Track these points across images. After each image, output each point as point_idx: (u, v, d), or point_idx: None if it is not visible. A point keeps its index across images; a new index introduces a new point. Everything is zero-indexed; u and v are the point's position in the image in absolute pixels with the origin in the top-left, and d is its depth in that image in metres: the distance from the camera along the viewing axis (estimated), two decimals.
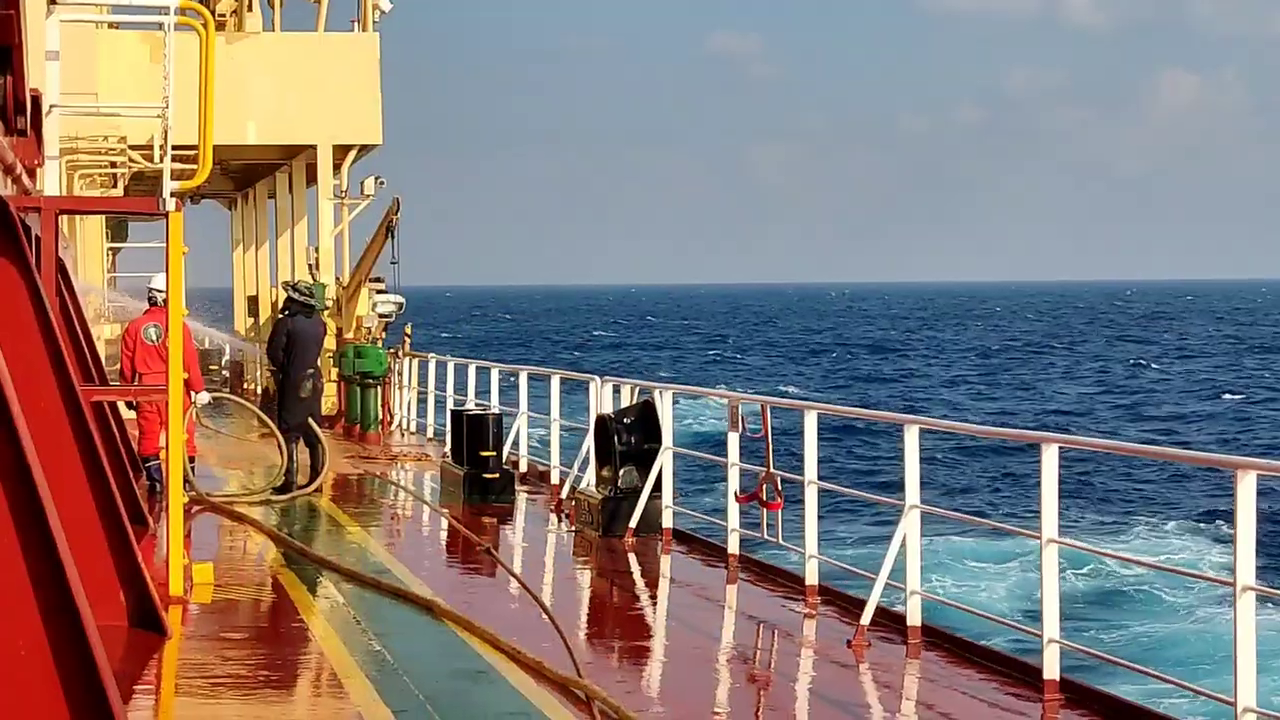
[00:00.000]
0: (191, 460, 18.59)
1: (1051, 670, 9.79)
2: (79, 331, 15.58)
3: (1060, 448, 9.91)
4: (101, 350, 23.87)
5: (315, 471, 19.61)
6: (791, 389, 75.09)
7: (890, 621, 11.65)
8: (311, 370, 19.91)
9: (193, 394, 18.32)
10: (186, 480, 18.36)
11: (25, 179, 12.14)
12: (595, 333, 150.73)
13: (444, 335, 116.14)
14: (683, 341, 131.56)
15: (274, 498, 18.76)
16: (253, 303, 38.58)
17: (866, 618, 11.43)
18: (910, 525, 11.30)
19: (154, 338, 18.23)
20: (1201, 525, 34.14)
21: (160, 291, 18.43)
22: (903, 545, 11.29)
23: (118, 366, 19.51)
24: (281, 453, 19.36)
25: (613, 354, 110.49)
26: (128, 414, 19.71)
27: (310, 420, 19.66)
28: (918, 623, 11.36)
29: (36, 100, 12.27)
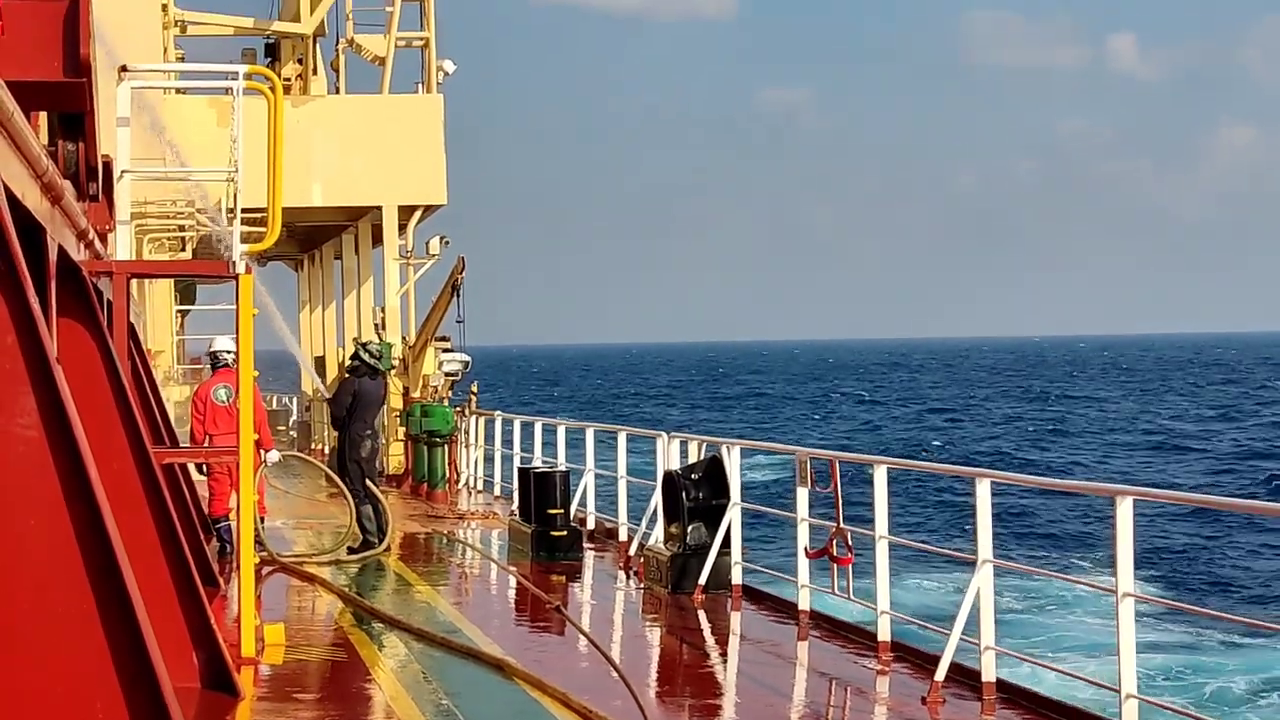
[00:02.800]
0: (261, 520, 18.68)
1: None
2: (150, 394, 15.69)
3: (1135, 500, 9.81)
4: (171, 412, 24.06)
5: (381, 531, 19.65)
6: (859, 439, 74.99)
7: (965, 677, 11.53)
8: (370, 431, 19.98)
9: (263, 453, 18.44)
10: (257, 540, 18.47)
11: (98, 244, 12.27)
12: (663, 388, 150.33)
13: (506, 394, 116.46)
14: (769, 395, 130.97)
15: (345, 557, 18.80)
16: (320, 363, 38.84)
17: (941, 674, 11.33)
18: (983, 579, 11.20)
19: (224, 399, 18.38)
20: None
21: (227, 353, 18.61)
22: (976, 599, 11.19)
23: (188, 428, 19.66)
24: (351, 513, 19.42)
25: (682, 411, 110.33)
26: (198, 477, 19.83)
27: (368, 481, 19.72)
28: (993, 678, 11.24)
29: (108, 166, 12.42)
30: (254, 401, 18.56)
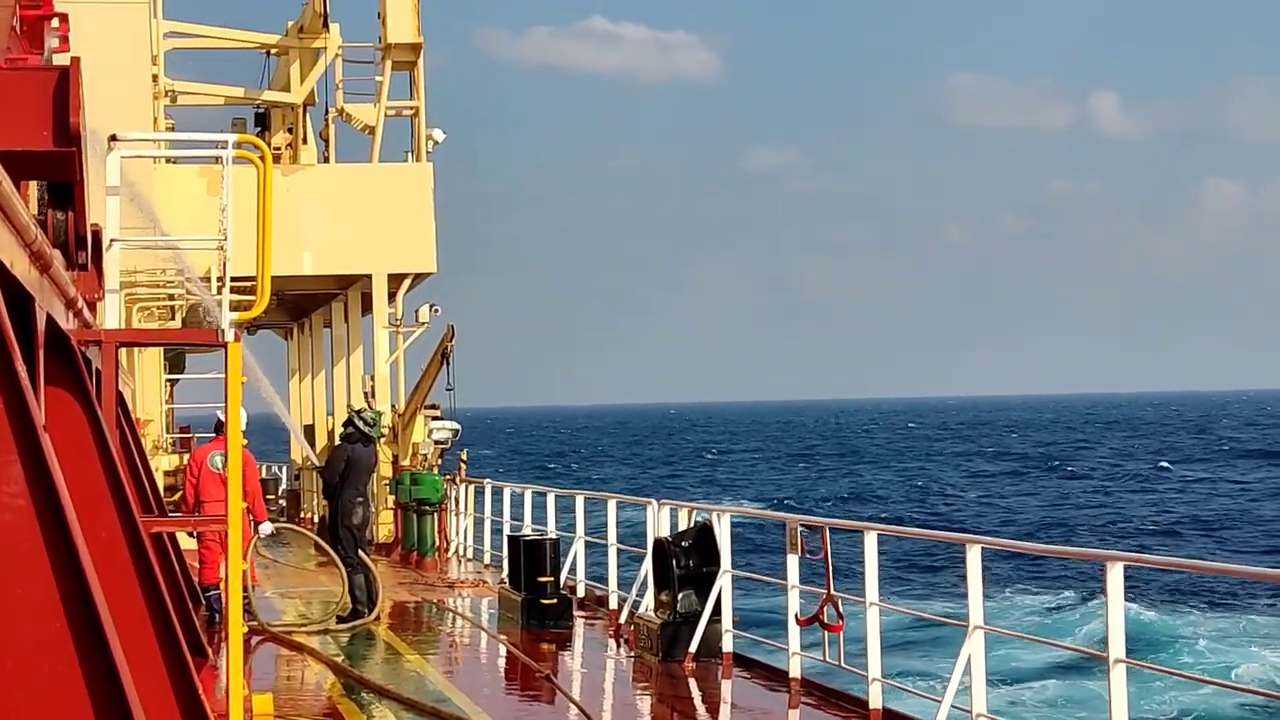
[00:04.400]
0: (251, 588, 18.63)
1: None
2: (138, 463, 15.65)
3: (1125, 565, 9.80)
4: (160, 481, 23.98)
5: (371, 600, 19.58)
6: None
7: None
8: (362, 498, 19.97)
9: (255, 524, 18.46)
10: (247, 609, 18.42)
11: (86, 313, 12.27)
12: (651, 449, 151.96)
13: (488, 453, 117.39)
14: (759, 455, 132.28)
15: (335, 627, 18.72)
16: (309, 431, 38.79)
17: None
18: (974, 646, 11.17)
19: (219, 466, 18.40)
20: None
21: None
22: (968, 666, 11.15)
23: (179, 494, 19.62)
24: (342, 581, 19.37)
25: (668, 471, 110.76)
26: (187, 543, 19.78)
27: (359, 550, 19.68)
28: None
29: (97, 235, 12.42)
30: (249, 471, 18.67)
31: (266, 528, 19.00)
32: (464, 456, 30.54)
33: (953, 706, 11.30)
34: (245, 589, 18.45)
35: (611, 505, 20.49)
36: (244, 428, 18.97)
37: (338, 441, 21.46)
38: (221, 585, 18.13)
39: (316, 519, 33.17)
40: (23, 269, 7.40)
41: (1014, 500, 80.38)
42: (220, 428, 19.01)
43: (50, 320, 8.64)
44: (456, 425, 30.82)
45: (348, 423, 20.67)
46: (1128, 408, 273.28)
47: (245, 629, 17.58)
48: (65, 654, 5.47)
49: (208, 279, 24.52)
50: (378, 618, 19.49)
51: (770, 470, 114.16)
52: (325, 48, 32.52)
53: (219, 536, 17.89)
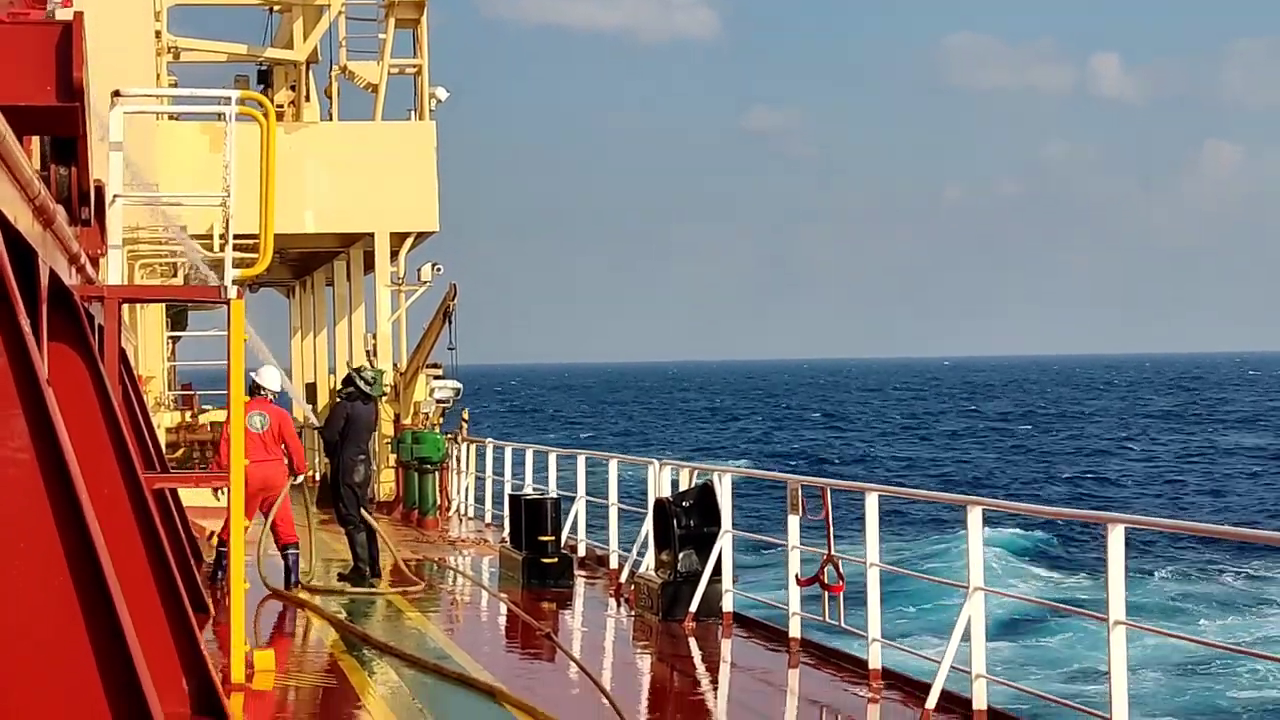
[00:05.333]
0: (294, 547, 18.73)
1: None
2: (141, 420, 15.66)
3: (1126, 527, 9.81)
4: (162, 439, 23.99)
5: (374, 559, 19.60)
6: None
7: (956, 706, 11.51)
8: (363, 456, 19.99)
9: (294, 475, 18.63)
10: (293, 572, 18.52)
11: (89, 268, 12.26)
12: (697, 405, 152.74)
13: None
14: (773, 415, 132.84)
15: (351, 589, 18.69)
16: (310, 389, 38.81)
17: (931, 701, 11.31)
18: (974, 607, 11.19)
19: (259, 426, 18.42)
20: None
21: (271, 390, 18.82)
22: (968, 626, 11.18)
23: (180, 453, 19.61)
24: (353, 540, 19.37)
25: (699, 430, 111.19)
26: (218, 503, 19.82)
27: (361, 509, 19.69)
28: (984, 706, 11.23)
29: (100, 191, 12.41)
30: (289, 428, 18.74)
31: (297, 480, 19.07)
32: (465, 415, 30.55)
33: (952, 667, 11.32)
34: (291, 547, 18.63)
35: (613, 465, 20.51)
36: (276, 389, 19.12)
37: (338, 400, 21.48)
38: (259, 540, 18.21)
39: (318, 477, 33.21)
40: (26, 223, 7.40)
41: (1019, 460, 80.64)
42: (256, 389, 19.00)
43: (53, 275, 8.64)
44: (458, 384, 30.83)
45: (347, 381, 20.68)
46: (1125, 370, 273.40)
47: (297, 590, 17.80)
48: (69, 609, 5.49)
49: (209, 236, 24.53)
50: (379, 575, 19.52)
51: (771, 430, 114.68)
52: (328, 5, 32.38)
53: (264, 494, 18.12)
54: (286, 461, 18.76)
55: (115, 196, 12.90)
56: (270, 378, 19.27)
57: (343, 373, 27.88)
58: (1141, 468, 75.13)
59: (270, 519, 18.32)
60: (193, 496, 19.66)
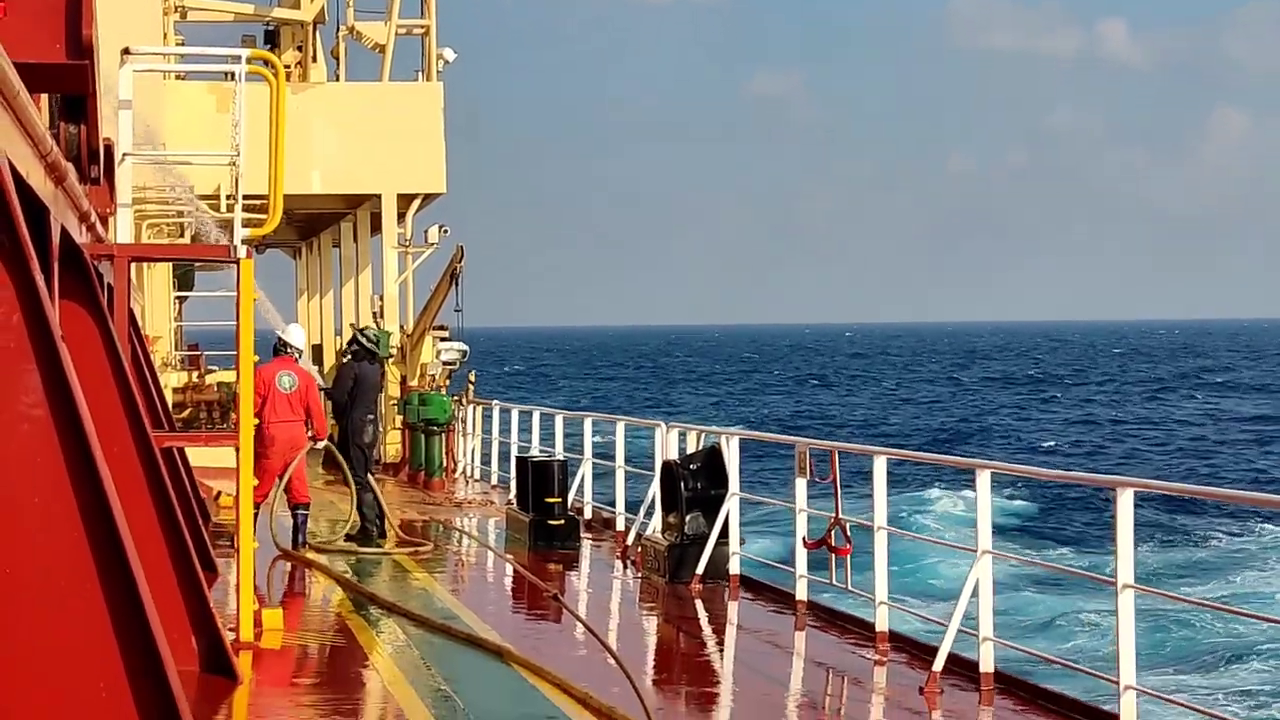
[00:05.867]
0: (306, 507, 18.75)
1: (1129, 717, 9.66)
2: (149, 379, 15.68)
3: (1135, 491, 9.82)
4: (169, 398, 23.98)
5: (381, 520, 19.63)
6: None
7: (963, 668, 11.54)
8: (372, 416, 20.00)
9: (314, 440, 18.65)
10: (301, 531, 18.55)
11: (99, 227, 12.26)
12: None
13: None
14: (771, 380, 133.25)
15: (359, 549, 18.69)
16: (317, 351, 38.82)
17: (939, 664, 11.33)
18: (982, 570, 11.21)
19: (288, 386, 18.43)
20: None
21: (291, 345, 18.79)
22: (975, 590, 11.20)
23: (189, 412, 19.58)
24: (352, 499, 19.38)
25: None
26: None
27: (367, 471, 19.70)
28: (991, 669, 11.26)
29: (109, 149, 12.40)
30: (313, 390, 18.74)
31: (321, 443, 19.07)
32: (472, 378, 30.55)
33: (959, 629, 11.35)
34: (302, 507, 18.64)
35: (620, 427, 20.52)
36: (292, 352, 19.12)
37: (343, 361, 21.48)
38: (269, 501, 18.25)
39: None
40: (38, 181, 7.39)
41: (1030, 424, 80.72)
42: (284, 347, 18.96)
43: (65, 233, 8.64)
44: (465, 346, 30.81)
45: (352, 341, 20.69)
46: (1133, 336, 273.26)
47: (305, 550, 17.82)
48: (83, 563, 5.50)
49: (217, 196, 24.52)
50: (385, 536, 19.55)
51: (775, 394, 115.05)
52: None
53: (280, 454, 18.23)
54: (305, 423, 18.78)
55: (125, 155, 12.91)
56: (297, 336, 19.25)
57: (349, 335, 27.89)
58: (1153, 433, 75.13)
59: (286, 479, 18.33)
60: (200, 456, 19.66)
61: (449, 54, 32.37)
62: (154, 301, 29.80)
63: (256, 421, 18.00)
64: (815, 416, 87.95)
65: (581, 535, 19.58)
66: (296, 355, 18.97)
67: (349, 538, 19.22)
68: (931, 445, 66.39)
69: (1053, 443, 69.14)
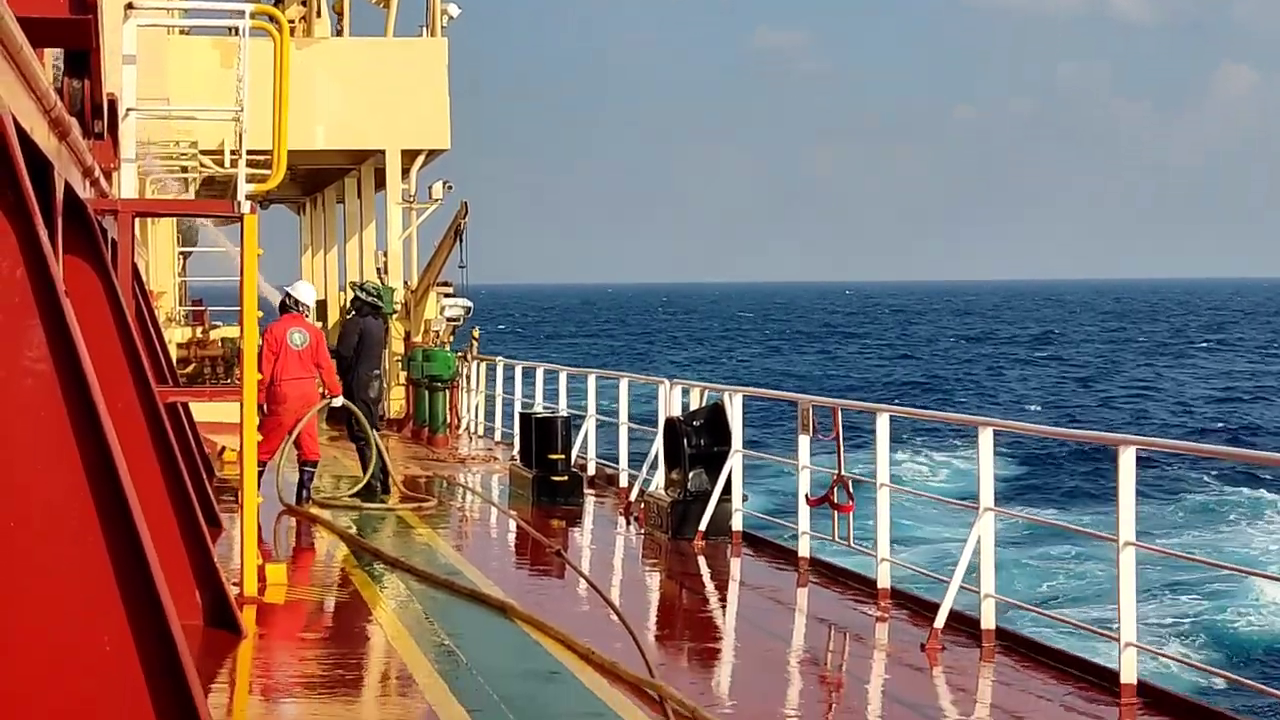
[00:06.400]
0: (314, 464, 18.75)
1: (1129, 674, 9.71)
2: (153, 334, 15.69)
3: (1137, 449, 9.84)
4: (173, 354, 24.01)
5: (385, 475, 19.67)
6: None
7: (964, 625, 11.58)
8: (377, 371, 20.04)
9: (326, 397, 18.65)
10: (305, 488, 18.57)
11: (103, 182, 12.25)
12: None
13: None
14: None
15: (362, 505, 18.70)
16: (321, 306, 38.82)
17: (940, 621, 11.37)
18: (984, 528, 11.24)
19: (299, 343, 18.39)
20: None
21: (301, 303, 18.75)
22: (977, 548, 11.23)
23: (189, 369, 19.57)
24: (373, 457, 19.38)
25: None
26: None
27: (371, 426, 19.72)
28: (992, 626, 11.30)
29: (113, 104, 12.38)
30: (323, 347, 18.72)
31: (337, 401, 19.03)
32: (476, 334, 30.57)
33: (961, 587, 11.39)
34: (310, 464, 18.65)
35: (624, 384, 20.54)
36: (311, 304, 19.08)
37: (347, 317, 21.50)
38: (276, 457, 18.27)
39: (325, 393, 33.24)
40: (42, 136, 7.38)
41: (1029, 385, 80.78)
42: (295, 304, 18.89)
43: (68, 188, 8.64)
44: (469, 302, 30.80)
45: (355, 298, 20.71)
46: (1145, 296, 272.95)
47: (309, 506, 17.86)
48: (87, 518, 5.51)
49: (220, 152, 24.47)
50: (389, 492, 19.60)
51: (774, 352, 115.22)
52: None
53: (291, 412, 18.19)
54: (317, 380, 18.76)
55: (129, 110, 12.88)
56: (306, 292, 19.19)
57: (352, 293, 27.89)
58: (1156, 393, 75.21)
59: (295, 435, 18.34)
60: (205, 412, 19.70)
61: (453, 9, 32.26)
62: (158, 257, 29.80)
63: (265, 379, 18.06)
64: (800, 376, 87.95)
65: (584, 491, 19.63)
66: (305, 312, 18.93)
67: (353, 493, 19.27)
68: (905, 401, 66.47)
69: (1036, 407, 69.17)
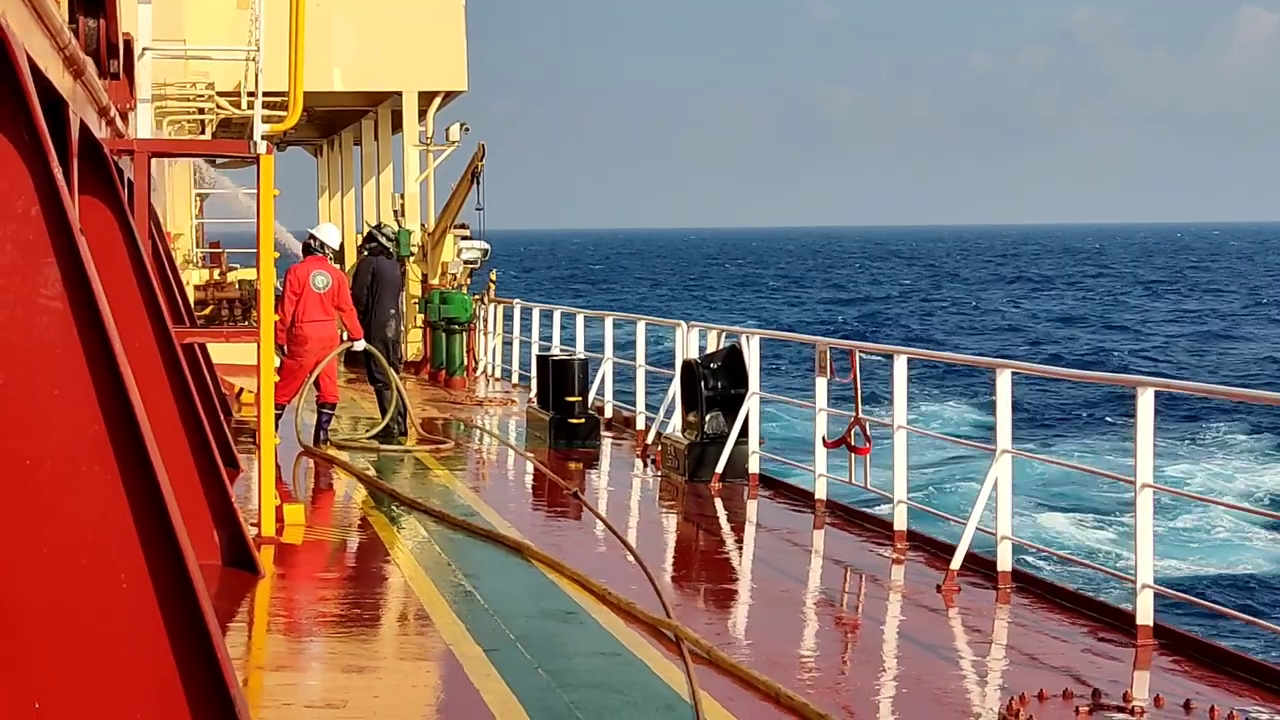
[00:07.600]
0: (332, 407, 18.74)
1: (1145, 615, 9.71)
2: (169, 274, 15.70)
3: (1156, 391, 9.81)
4: (190, 296, 24.03)
5: (401, 417, 19.70)
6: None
7: (980, 567, 11.59)
8: (395, 312, 20.03)
9: (346, 340, 18.62)
10: (323, 429, 18.59)
11: (119, 122, 12.23)
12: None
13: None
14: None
15: (385, 448, 18.68)
16: (339, 251, 38.77)
17: (956, 563, 11.38)
18: (1001, 470, 11.23)
19: (321, 286, 18.34)
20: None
21: (326, 245, 18.70)
22: (994, 490, 11.22)
23: (207, 310, 19.56)
24: (393, 399, 19.38)
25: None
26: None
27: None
28: (1008, 568, 11.30)
29: (129, 44, 12.34)
30: (345, 290, 18.68)
31: (359, 345, 18.96)
32: (493, 277, 30.53)
33: (977, 529, 11.38)
34: (328, 406, 18.65)
35: (640, 326, 20.51)
36: (323, 250, 18.98)
37: (361, 257, 21.49)
38: (294, 400, 18.28)
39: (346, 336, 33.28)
40: (57, 74, 7.36)
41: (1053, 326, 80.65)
42: (320, 246, 18.82)
43: (84, 127, 8.61)
44: (486, 245, 30.76)
45: (369, 238, 20.67)
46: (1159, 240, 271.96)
47: (326, 446, 17.88)
48: (104, 456, 5.51)
49: (237, 93, 24.42)
50: (405, 434, 19.63)
51: (787, 295, 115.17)
52: None
53: (310, 354, 18.17)
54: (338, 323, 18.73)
55: (145, 50, 12.84)
56: (330, 234, 19.13)
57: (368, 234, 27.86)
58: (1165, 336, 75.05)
59: (314, 377, 18.33)
60: (222, 354, 19.73)
61: None
62: (174, 199, 29.79)
63: (285, 320, 18.06)
64: (868, 324, 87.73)
65: (601, 434, 19.64)
66: (330, 255, 18.89)
67: (371, 435, 19.30)
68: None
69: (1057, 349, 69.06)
